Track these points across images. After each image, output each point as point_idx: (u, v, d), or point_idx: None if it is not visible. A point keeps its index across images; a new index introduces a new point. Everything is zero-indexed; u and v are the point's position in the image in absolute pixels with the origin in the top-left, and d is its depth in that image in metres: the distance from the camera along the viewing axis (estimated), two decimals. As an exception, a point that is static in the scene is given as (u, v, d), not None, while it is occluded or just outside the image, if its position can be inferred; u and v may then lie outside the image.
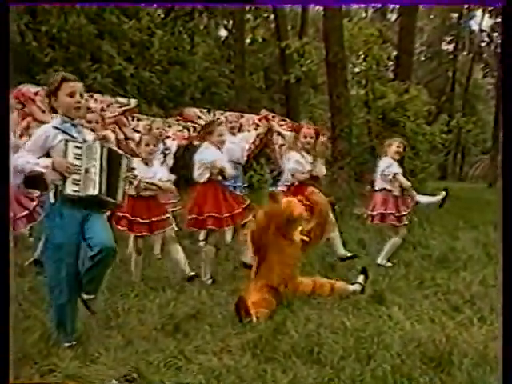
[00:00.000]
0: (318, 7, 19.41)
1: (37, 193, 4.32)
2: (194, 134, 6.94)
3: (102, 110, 5.83)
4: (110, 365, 2.75)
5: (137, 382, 2.60)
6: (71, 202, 2.94)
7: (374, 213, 5.23)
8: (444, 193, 5.66)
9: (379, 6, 23.56)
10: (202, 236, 6.21)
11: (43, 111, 5.14)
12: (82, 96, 3.03)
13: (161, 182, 4.43)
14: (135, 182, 4.16)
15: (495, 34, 27.82)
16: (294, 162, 5.06)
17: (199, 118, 7.10)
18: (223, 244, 6.00)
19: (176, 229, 5.04)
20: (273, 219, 3.80)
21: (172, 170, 5.75)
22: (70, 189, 2.90)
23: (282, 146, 7.15)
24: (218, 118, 7.12)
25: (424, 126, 11.74)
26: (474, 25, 30.36)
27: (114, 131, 5.68)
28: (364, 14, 23.87)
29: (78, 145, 2.97)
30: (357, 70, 13.42)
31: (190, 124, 7.07)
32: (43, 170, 2.89)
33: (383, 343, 2.97)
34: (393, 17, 25.09)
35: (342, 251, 5.20)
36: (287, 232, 3.91)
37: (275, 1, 16.16)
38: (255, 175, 11.70)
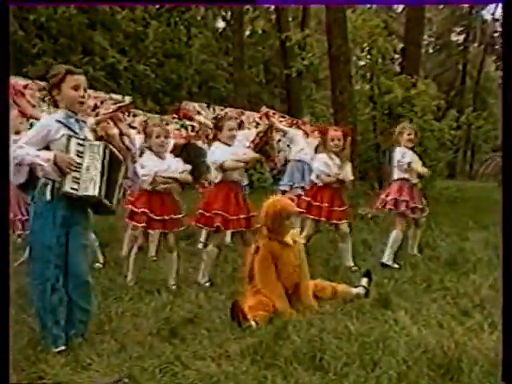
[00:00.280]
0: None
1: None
2: (193, 134, 6.96)
3: (96, 106, 5.84)
4: (103, 371, 2.75)
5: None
6: (67, 201, 2.96)
7: (388, 198, 5.40)
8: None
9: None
10: (202, 238, 6.24)
11: (33, 105, 5.14)
12: (85, 90, 3.05)
13: (178, 174, 4.43)
14: (149, 178, 4.30)
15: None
16: (322, 164, 5.17)
17: (198, 113, 7.10)
18: (222, 245, 6.01)
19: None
20: (267, 219, 3.85)
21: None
22: (69, 186, 2.91)
23: (279, 141, 7.18)
24: (218, 114, 7.14)
25: (432, 122, 11.74)
26: (487, 14, 30.29)
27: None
28: (368, 5, 23.85)
29: (81, 142, 2.98)
30: (361, 63, 13.45)
31: (187, 122, 7.08)
32: (44, 164, 2.89)
33: (389, 349, 2.96)
34: (399, 7, 25.11)
35: (349, 263, 5.23)
36: (280, 232, 3.89)
37: (276, 1, 16.17)
38: (255, 174, 11.73)
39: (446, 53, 30.32)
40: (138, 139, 5.84)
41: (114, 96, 6.18)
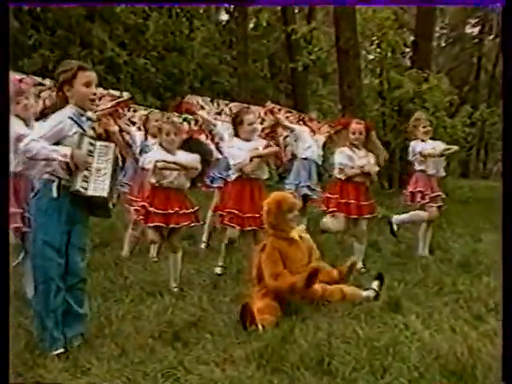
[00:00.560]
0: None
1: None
2: (195, 128, 6.96)
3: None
4: (103, 376, 2.76)
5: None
6: (72, 199, 3.01)
7: (407, 192, 5.74)
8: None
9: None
10: (204, 237, 6.28)
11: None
12: (96, 86, 3.12)
13: (184, 160, 4.41)
14: (150, 166, 4.32)
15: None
16: (344, 157, 5.20)
17: (201, 108, 7.10)
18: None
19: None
20: (269, 216, 3.93)
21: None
22: (79, 185, 2.97)
23: (286, 137, 7.17)
24: (222, 109, 7.15)
25: (444, 119, 11.74)
26: (504, 4, 29.99)
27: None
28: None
29: (92, 141, 3.06)
30: (370, 57, 13.44)
31: (190, 116, 7.08)
32: (61, 159, 2.93)
33: (399, 354, 2.97)
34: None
35: (359, 265, 5.25)
36: (284, 228, 3.93)
37: (277, 1, 16.21)
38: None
39: (460, 46, 30.10)
40: (139, 136, 5.88)
41: (112, 92, 6.19)
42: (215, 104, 7.29)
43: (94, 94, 3.12)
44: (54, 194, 2.99)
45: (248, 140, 4.78)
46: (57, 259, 3.02)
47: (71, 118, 3.04)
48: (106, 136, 4.37)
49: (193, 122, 6.99)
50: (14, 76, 5.46)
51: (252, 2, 15.39)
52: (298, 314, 3.70)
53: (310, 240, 4.14)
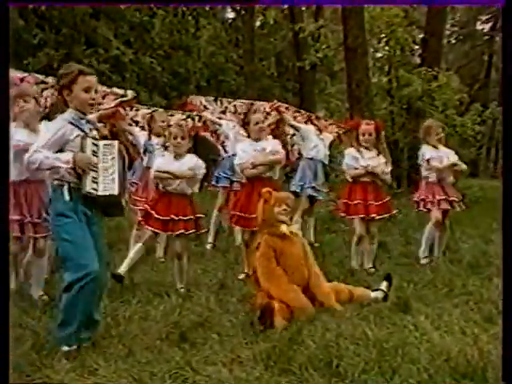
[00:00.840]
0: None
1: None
2: (199, 124, 6.98)
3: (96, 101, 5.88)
4: (110, 377, 2.78)
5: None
6: (85, 202, 3.06)
7: (414, 198, 5.73)
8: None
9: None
10: (210, 238, 6.30)
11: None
12: (96, 91, 3.17)
13: (175, 169, 4.45)
14: (151, 174, 4.51)
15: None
16: (350, 158, 5.31)
17: (205, 108, 7.12)
18: (233, 246, 6.06)
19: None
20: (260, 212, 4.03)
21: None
22: (89, 187, 3.02)
23: (293, 136, 7.15)
24: (226, 107, 7.17)
25: (454, 117, 11.70)
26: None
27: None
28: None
29: (95, 142, 3.10)
30: (379, 55, 13.40)
31: (194, 113, 7.10)
32: (64, 166, 3.00)
33: (409, 356, 2.97)
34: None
35: (368, 265, 5.26)
36: (273, 223, 3.97)
37: (279, 0, 16.20)
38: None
39: (470, 43, 29.89)
40: (142, 136, 5.91)
41: (116, 90, 6.19)
42: (219, 103, 7.30)
43: (94, 99, 3.15)
44: (67, 197, 3.05)
45: (258, 140, 4.87)
46: (85, 256, 3.03)
47: (71, 123, 3.08)
48: (112, 137, 4.41)
49: (197, 118, 7.03)
50: (15, 75, 5.49)
51: (255, 2, 15.38)
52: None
53: (303, 238, 4.21)
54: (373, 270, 5.16)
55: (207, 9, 18.42)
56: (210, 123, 6.84)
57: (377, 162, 5.24)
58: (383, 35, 12.23)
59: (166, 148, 4.81)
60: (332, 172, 8.03)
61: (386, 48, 12.35)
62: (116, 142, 3.17)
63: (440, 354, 3.00)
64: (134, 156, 5.65)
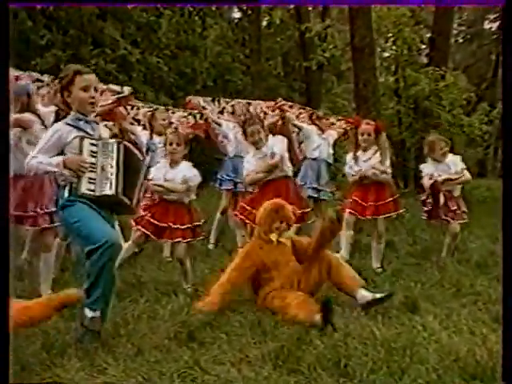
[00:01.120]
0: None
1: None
2: (201, 122, 7.01)
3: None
4: (120, 376, 2.79)
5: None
6: (89, 202, 3.04)
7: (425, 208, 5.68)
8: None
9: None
10: (212, 240, 6.33)
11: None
12: (96, 89, 3.13)
13: (168, 183, 4.46)
14: (146, 184, 4.41)
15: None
16: (347, 165, 5.40)
17: (204, 108, 7.13)
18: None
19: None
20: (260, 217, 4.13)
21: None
22: (85, 188, 3.00)
23: (298, 134, 7.11)
24: (224, 107, 7.19)
25: (461, 117, 11.67)
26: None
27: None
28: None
29: (94, 142, 3.07)
30: (386, 54, 13.39)
31: (195, 111, 7.13)
32: (56, 170, 3.01)
33: (417, 356, 2.97)
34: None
35: (376, 264, 5.26)
36: (266, 232, 4.08)
37: (280, 0, 16.17)
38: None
39: (478, 42, 29.75)
40: (144, 135, 5.95)
41: (113, 87, 6.18)
42: (216, 103, 7.32)
43: (93, 97, 3.10)
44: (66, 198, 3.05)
45: (259, 147, 4.99)
46: (99, 227, 3.01)
47: (69, 124, 3.08)
48: (121, 135, 4.44)
49: (198, 116, 7.05)
50: (11, 73, 5.49)
51: (256, 2, 15.38)
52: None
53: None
54: (380, 269, 5.16)
55: (214, 9, 18.45)
56: (212, 122, 6.85)
57: (371, 163, 5.21)
58: (390, 35, 12.22)
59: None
60: (338, 171, 7.99)
61: (393, 47, 12.34)
62: (115, 140, 3.13)
63: (449, 354, 2.99)
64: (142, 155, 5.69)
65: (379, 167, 5.19)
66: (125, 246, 4.59)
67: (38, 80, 5.54)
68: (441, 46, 13.05)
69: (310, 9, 18.86)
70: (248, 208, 4.88)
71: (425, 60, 14.20)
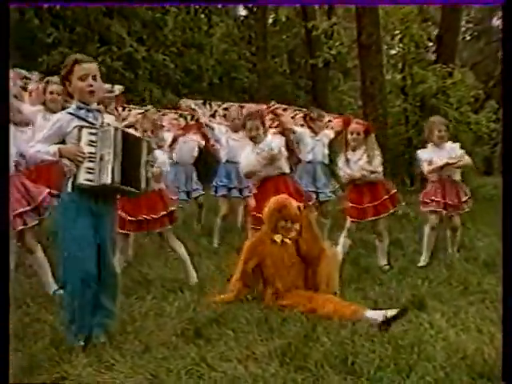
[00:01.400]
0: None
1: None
2: (192, 123, 7.01)
3: None
4: (127, 372, 2.80)
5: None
6: (90, 192, 3.04)
7: (419, 198, 5.70)
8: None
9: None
10: (215, 242, 6.35)
11: (14, 96, 5.21)
12: (95, 78, 3.09)
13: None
14: None
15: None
16: (339, 168, 5.35)
17: (194, 111, 7.10)
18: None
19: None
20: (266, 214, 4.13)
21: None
22: (82, 178, 2.97)
23: (294, 132, 7.04)
24: (216, 111, 7.19)
25: (469, 114, 11.62)
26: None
27: None
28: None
29: (93, 131, 3.03)
30: (393, 52, 13.35)
31: (186, 113, 7.13)
32: (52, 159, 3.00)
33: (425, 353, 2.96)
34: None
35: (382, 262, 5.26)
36: (272, 230, 4.09)
37: (279, 0, 16.17)
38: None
39: (486, 39, 29.58)
40: (170, 138, 5.99)
41: (105, 85, 6.19)
42: (208, 106, 7.31)
43: (91, 86, 3.06)
44: (69, 189, 3.03)
45: (257, 142, 4.99)
46: (88, 252, 3.04)
47: (70, 114, 3.07)
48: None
49: (189, 118, 7.05)
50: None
51: (254, 2, 15.38)
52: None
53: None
54: (387, 267, 5.16)
55: (219, 6, 18.45)
56: (204, 125, 6.81)
57: (360, 164, 5.17)
58: (397, 32, 12.19)
59: (159, 147, 4.79)
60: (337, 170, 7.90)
61: (400, 45, 12.30)
62: (112, 127, 3.08)
63: (456, 352, 2.98)
64: None
65: (367, 167, 5.16)
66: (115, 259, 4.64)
67: (26, 77, 5.54)
68: (448, 43, 12.96)
69: (316, 6, 18.81)
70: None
71: (432, 57, 14.11)
